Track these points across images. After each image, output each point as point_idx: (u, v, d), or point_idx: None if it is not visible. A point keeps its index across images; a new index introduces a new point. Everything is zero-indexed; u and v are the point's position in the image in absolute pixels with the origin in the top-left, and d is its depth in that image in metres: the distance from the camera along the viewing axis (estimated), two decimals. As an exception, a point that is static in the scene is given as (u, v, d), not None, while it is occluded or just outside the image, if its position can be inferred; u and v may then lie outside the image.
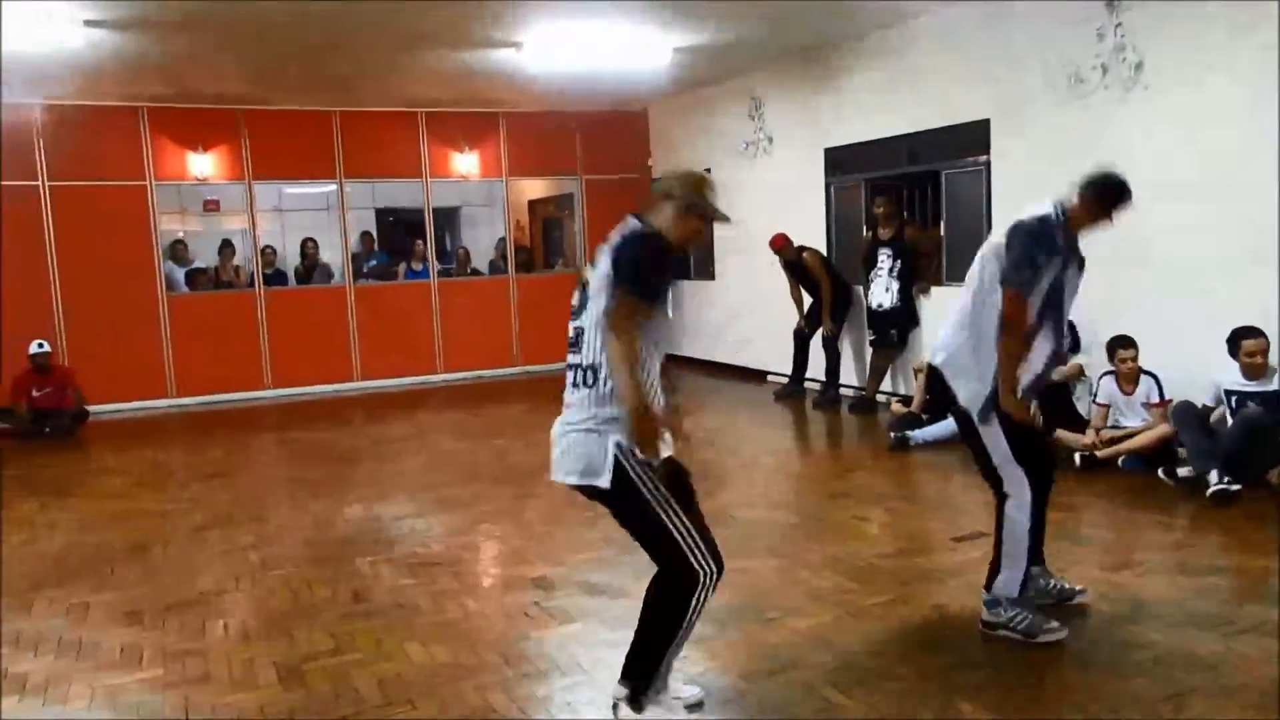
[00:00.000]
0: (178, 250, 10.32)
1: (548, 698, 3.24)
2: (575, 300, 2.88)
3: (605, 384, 2.75)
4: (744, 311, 10.25)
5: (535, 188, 13.36)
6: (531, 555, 4.76)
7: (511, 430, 7.98)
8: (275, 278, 10.66)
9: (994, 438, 3.42)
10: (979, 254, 3.50)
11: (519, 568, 4.58)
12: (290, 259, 11.09)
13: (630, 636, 2.94)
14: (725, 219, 2.95)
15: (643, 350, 2.73)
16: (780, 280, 8.94)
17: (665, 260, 2.86)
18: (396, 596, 4.23)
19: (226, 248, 10.42)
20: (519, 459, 6.85)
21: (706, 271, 10.96)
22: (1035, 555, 3.55)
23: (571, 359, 2.86)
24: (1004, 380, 3.34)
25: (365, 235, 11.60)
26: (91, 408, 9.06)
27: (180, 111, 9.75)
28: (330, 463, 7.17)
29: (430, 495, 6.07)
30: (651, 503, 2.76)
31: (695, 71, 9.44)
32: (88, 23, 6.38)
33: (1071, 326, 6.36)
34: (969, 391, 3.44)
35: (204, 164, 9.98)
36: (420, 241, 11.07)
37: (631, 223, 2.86)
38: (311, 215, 11.22)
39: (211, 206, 11.01)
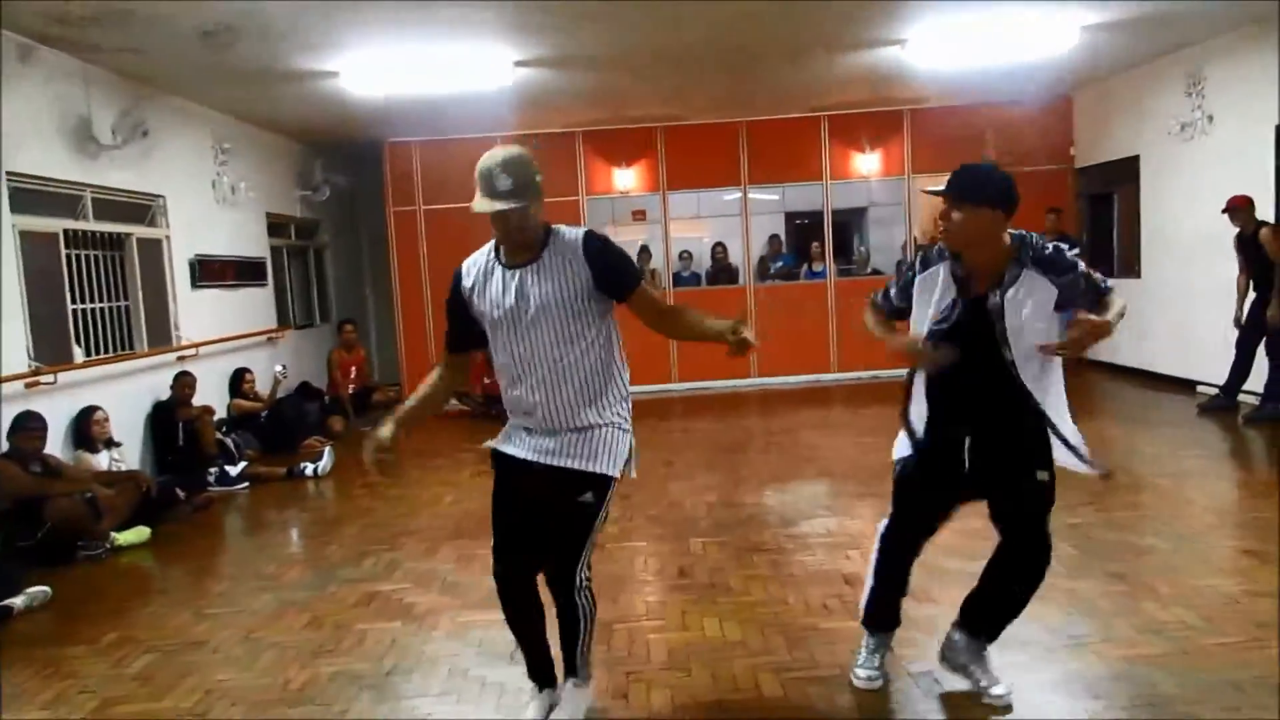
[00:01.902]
0: (607, 256, 11.59)
1: (813, 684, 3.32)
2: None
3: None
4: (1172, 313, 9.07)
5: (954, 184, 12.88)
6: (852, 551, 4.78)
7: (886, 429, 7.89)
8: (689, 279, 11.55)
9: None
10: None
11: (836, 562, 4.64)
12: (706, 261, 11.92)
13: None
14: (489, 205, 2.74)
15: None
16: (1215, 279, 7.80)
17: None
18: (713, 577, 4.52)
19: (644, 253, 11.51)
20: (878, 458, 6.76)
21: (1131, 269, 9.85)
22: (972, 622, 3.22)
23: None
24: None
25: (773, 238, 12.08)
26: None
27: (608, 133, 10.99)
28: (704, 450, 7.69)
29: (777, 486, 6.33)
30: None
31: (1123, 52, 8.62)
32: (517, 63, 7.49)
33: None
34: None
35: (627, 178, 11.15)
36: (817, 243, 11.32)
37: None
38: (726, 221, 11.94)
39: (639, 216, 12.19)
